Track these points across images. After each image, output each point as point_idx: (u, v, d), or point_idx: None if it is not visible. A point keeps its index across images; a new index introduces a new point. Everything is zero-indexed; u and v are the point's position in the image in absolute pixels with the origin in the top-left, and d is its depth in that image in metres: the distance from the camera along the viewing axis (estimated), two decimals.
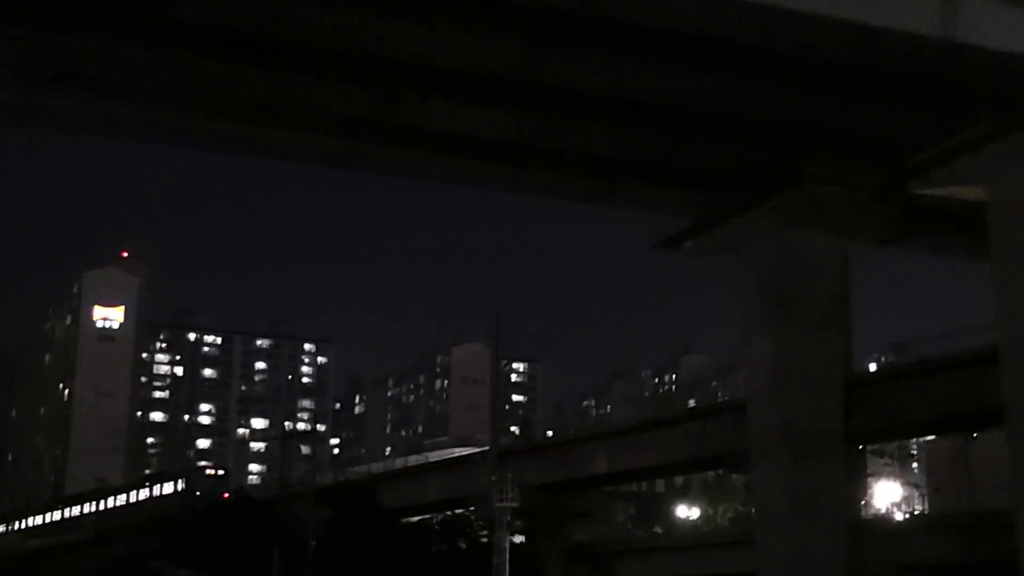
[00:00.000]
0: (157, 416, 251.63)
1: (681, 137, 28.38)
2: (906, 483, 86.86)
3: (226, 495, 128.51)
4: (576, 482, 72.95)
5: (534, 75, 24.15)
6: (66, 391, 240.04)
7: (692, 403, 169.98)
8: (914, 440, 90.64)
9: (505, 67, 23.32)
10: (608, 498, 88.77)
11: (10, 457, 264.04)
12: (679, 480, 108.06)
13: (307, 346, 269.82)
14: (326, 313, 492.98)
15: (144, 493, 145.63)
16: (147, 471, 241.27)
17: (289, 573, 70.14)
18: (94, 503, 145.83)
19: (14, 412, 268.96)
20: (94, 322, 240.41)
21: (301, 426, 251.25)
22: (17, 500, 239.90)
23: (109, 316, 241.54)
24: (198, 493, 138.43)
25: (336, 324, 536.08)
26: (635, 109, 26.34)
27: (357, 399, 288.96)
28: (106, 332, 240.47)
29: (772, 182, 32.47)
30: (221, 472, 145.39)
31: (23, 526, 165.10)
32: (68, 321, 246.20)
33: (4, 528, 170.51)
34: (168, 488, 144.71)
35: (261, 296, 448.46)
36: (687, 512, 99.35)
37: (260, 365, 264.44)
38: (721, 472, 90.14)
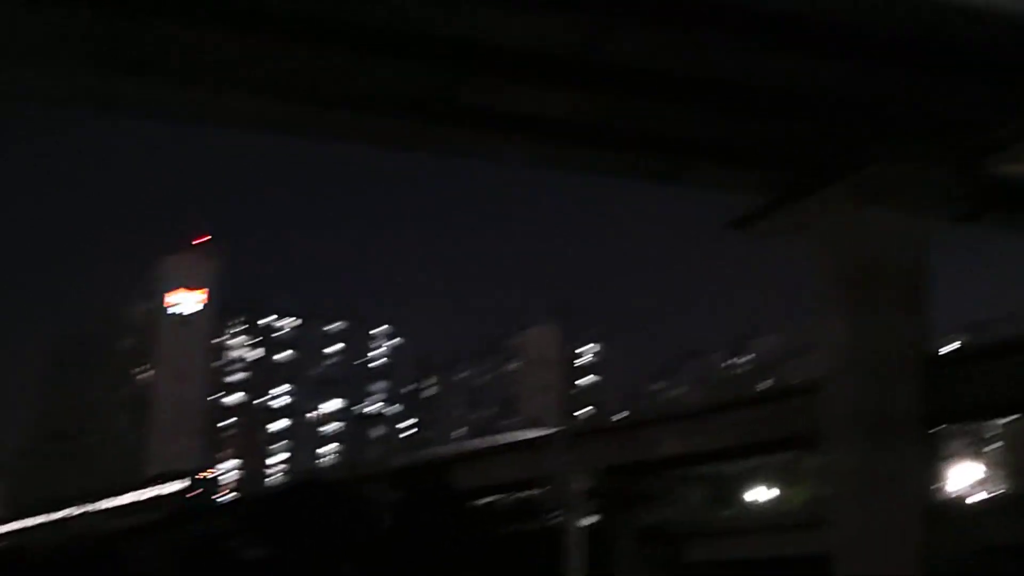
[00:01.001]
0: (233, 398, 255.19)
1: (751, 115, 28.06)
2: (986, 464, 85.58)
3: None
4: (647, 464, 72.78)
5: (603, 54, 23.97)
6: (145, 374, 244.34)
7: (764, 385, 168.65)
8: (994, 421, 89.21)
9: (573, 47, 23.19)
10: (679, 480, 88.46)
11: (93, 439, 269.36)
12: (751, 462, 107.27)
13: (379, 329, 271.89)
14: (397, 296, 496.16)
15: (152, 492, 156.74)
16: (217, 453, 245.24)
17: (361, 554, 70.79)
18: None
19: (95, 395, 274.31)
20: (172, 306, 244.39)
21: (373, 408, 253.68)
22: (99, 480, 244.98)
23: (186, 300, 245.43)
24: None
25: (407, 307, 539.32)
26: (705, 87, 26.08)
27: (428, 381, 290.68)
28: (183, 316, 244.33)
29: (845, 160, 32.02)
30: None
31: (103, 507, 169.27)
32: (147, 305, 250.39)
33: (85, 508, 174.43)
34: (175, 486, 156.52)
35: (333, 279, 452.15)
36: (759, 495, 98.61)
37: (332, 348, 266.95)
38: (794, 454, 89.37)
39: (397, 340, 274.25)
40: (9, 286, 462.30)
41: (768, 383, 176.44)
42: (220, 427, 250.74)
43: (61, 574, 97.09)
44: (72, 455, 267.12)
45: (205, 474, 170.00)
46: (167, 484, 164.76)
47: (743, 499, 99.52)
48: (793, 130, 30.30)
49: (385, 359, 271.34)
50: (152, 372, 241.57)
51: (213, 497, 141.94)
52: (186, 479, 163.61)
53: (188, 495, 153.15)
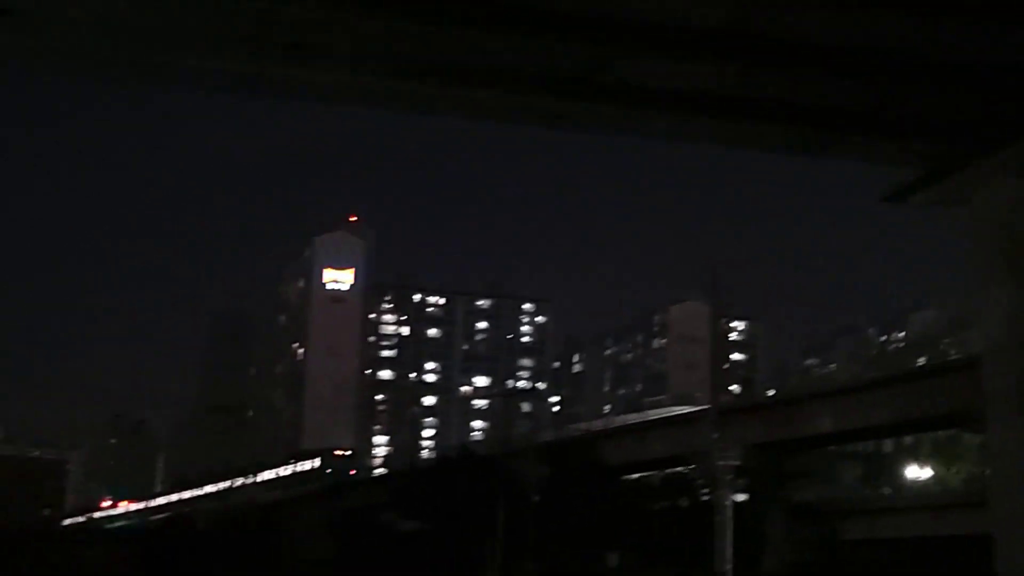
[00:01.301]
0: (385, 374, 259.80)
1: (906, 84, 27.22)
2: None
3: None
4: (799, 441, 71.77)
5: (751, 27, 23.52)
6: (300, 350, 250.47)
7: (922, 360, 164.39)
8: None
9: (721, 20, 22.82)
10: (833, 458, 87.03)
11: (250, 413, 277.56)
12: (908, 440, 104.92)
13: (526, 306, 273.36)
14: (544, 272, 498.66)
15: (289, 470, 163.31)
16: (370, 427, 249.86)
17: (512, 527, 71.47)
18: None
19: (252, 370, 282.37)
20: (325, 284, 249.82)
21: (521, 384, 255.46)
22: (257, 454, 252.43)
23: (339, 278, 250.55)
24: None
25: (554, 283, 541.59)
26: (858, 56, 25.41)
27: (575, 358, 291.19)
28: (336, 294, 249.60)
29: (1007, 129, 30.79)
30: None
31: (261, 479, 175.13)
32: (301, 283, 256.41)
33: (245, 480, 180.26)
34: (306, 465, 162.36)
35: (481, 257, 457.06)
36: (917, 473, 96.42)
37: (481, 325, 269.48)
38: (953, 431, 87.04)
39: (545, 317, 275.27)
40: (170, 266, 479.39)
41: (925, 359, 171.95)
42: (372, 402, 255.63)
43: (223, 542, 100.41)
44: (231, 429, 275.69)
45: (339, 452, 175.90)
46: (301, 462, 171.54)
47: (900, 477, 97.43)
48: (951, 99, 29.34)
49: (533, 335, 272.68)
50: (306, 348, 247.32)
51: (352, 472, 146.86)
52: (317, 458, 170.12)
53: (326, 472, 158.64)
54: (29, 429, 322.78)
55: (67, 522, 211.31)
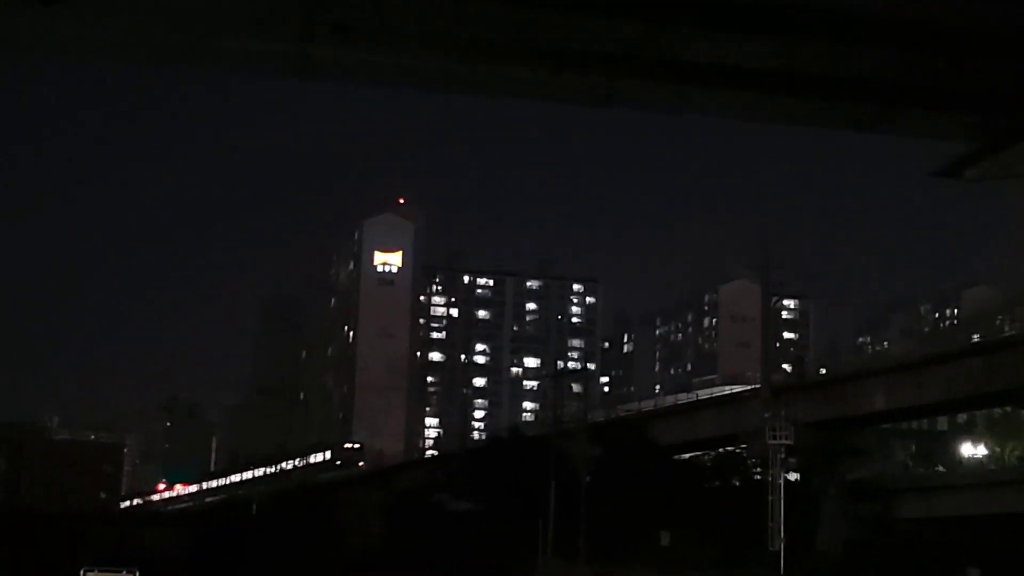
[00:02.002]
0: (435, 356, 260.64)
1: (959, 57, 26.81)
2: None
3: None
4: (852, 419, 71.30)
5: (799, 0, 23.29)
6: (350, 333, 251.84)
7: (976, 337, 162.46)
8: None
9: None
10: (886, 436, 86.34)
11: (302, 396, 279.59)
12: (962, 417, 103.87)
13: (575, 286, 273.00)
14: (593, 253, 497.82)
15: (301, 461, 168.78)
16: (427, 408, 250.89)
17: (563, 508, 71.61)
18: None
19: (304, 353, 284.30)
20: (375, 267, 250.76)
21: (572, 365, 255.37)
22: (310, 436, 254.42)
23: (388, 261, 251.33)
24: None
25: (603, 264, 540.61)
26: (910, 29, 25.05)
27: (625, 338, 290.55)
28: (386, 276, 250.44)
29: None
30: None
31: (314, 460, 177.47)
32: (350, 266, 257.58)
33: (297, 462, 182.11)
34: (318, 458, 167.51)
35: (530, 238, 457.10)
36: (972, 450, 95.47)
37: (531, 306, 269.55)
38: (1009, 408, 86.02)
39: (594, 297, 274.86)
40: (221, 249, 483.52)
41: (979, 336, 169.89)
42: (422, 384, 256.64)
43: (277, 524, 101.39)
44: (283, 412, 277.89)
45: (348, 445, 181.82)
46: (314, 454, 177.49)
47: (954, 455, 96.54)
48: (1004, 72, 28.87)
49: (582, 316, 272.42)
50: (356, 331, 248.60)
51: (360, 464, 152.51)
52: (328, 451, 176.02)
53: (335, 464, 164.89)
54: (85, 414, 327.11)
55: (124, 505, 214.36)
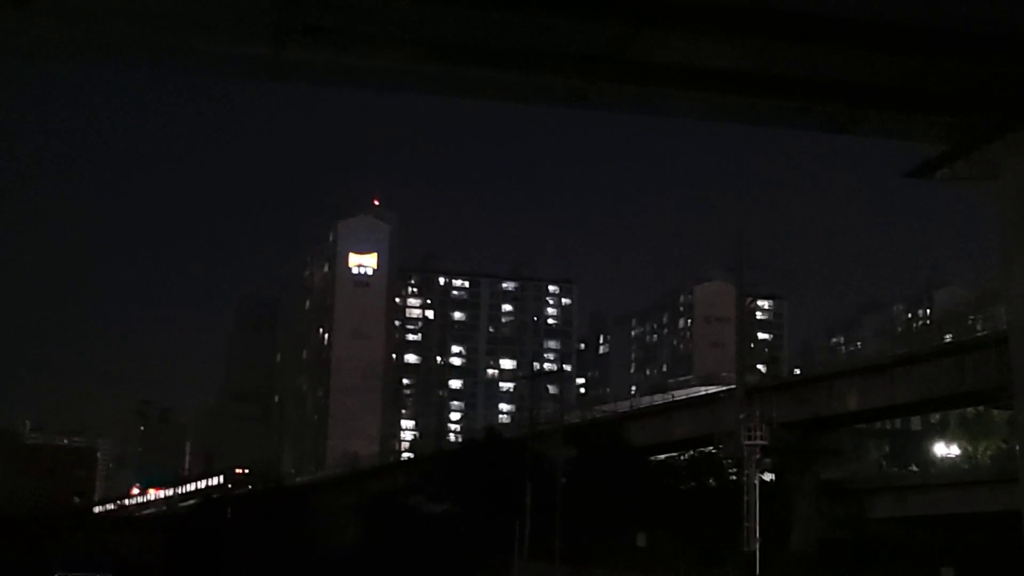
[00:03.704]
0: (411, 358, 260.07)
1: (930, 58, 27.00)
2: None
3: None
4: (826, 419, 71.54)
5: (775, 3, 23.42)
6: (325, 335, 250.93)
7: (949, 337, 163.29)
8: None
9: None
10: (860, 436, 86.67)
11: (276, 398, 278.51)
12: (935, 417, 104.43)
13: (551, 287, 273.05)
14: (569, 254, 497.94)
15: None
16: (403, 410, 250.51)
17: (539, 509, 71.56)
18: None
19: (278, 356, 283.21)
20: (349, 268, 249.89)
21: (547, 366, 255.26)
22: (285, 439, 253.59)
23: (363, 263, 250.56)
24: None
25: (579, 265, 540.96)
26: (880, 30, 25.22)
27: (601, 339, 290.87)
28: (361, 278, 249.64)
29: None
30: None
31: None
32: (325, 268, 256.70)
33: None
34: (212, 481, 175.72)
35: (505, 239, 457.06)
36: (945, 450, 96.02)
37: (507, 307, 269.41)
38: (981, 408, 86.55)
39: (570, 298, 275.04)
40: (194, 252, 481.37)
41: (951, 335, 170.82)
42: (398, 386, 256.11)
43: (253, 525, 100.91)
44: (258, 415, 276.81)
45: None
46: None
47: (928, 454, 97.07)
48: (976, 74, 29.09)
49: (558, 317, 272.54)
50: (331, 333, 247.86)
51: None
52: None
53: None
54: (58, 418, 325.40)
55: (97, 509, 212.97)
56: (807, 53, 26.12)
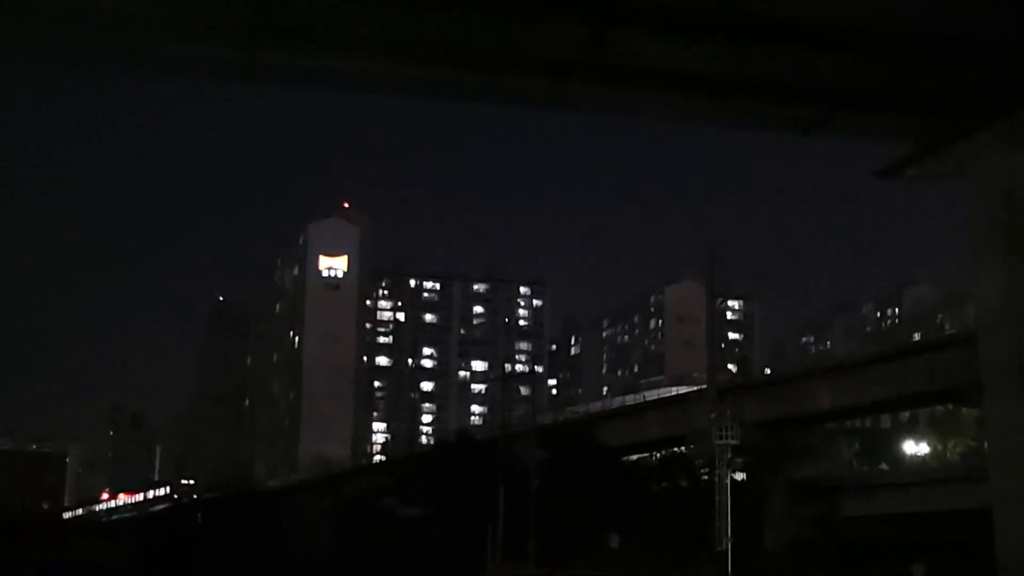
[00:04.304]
0: (382, 360, 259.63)
1: (898, 60, 27.21)
2: None
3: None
4: (798, 419, 71.91)
5: (744, 6, 23.55)
6: (296, 338, 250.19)
7: (918, 336, 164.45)
8: None
9: None
10: (831, 435, 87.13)
11: (247, 402, 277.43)
12: (905, 415, 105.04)
13: (523, 289, 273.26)
14: (540, 256, 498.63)
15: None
16: (375, 413, 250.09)
17: (512, 511, 71.61)
18: None
19: (249, 359, 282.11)
20: (320, 271, 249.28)
21: (519, 368, 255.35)
22: (257, 443, 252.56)
23: (333, 265, 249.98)
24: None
25: (550, 267, 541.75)
26: (849, 34, 25.41)
27: (573, 340, 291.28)
28: (331, 281, 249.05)
29: (1001, 103, 30.74)
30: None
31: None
32: (295, 271, 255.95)
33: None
34: (160, 492, 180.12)
35: (477, 241, 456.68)
36: (915, 448, 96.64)
37: (478, 309, 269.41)
38: (951, 406, 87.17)
39: (541, 300, 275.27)
40: (164, 255, 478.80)
41: (921, 334, 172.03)
42: (370, 389, 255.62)
43: (225, 530, 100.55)
44: (229, 419, 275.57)
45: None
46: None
47: (898, 452, 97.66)
48: (944, 74, 29.30)
49: (530, 319, 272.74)
50: (302, 336, 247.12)
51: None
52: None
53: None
54: (27, 423, 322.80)
55: (67, 515, 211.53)
56: (776, 55, 26.29)
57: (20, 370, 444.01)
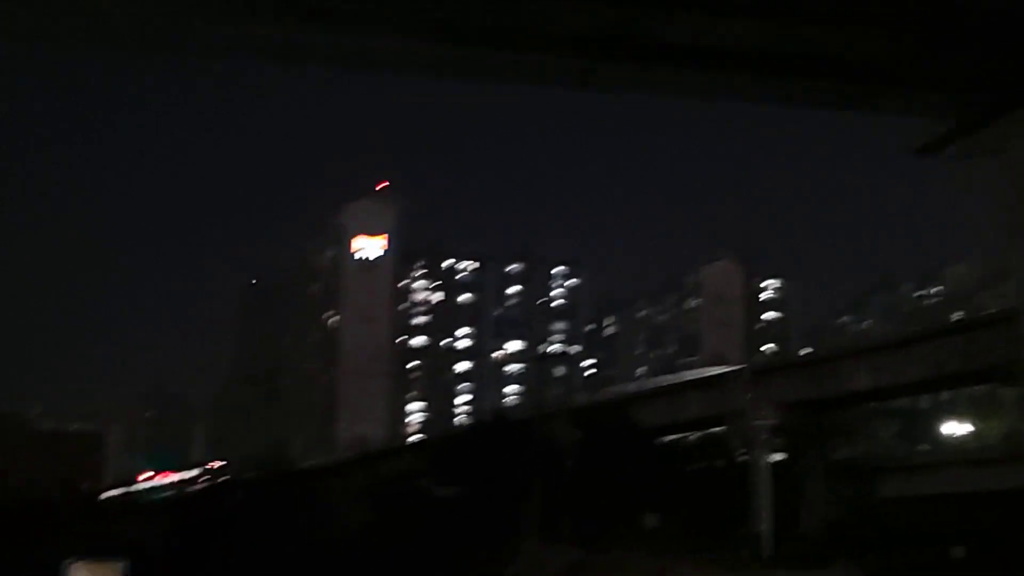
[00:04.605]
0: (417, 341, 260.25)
1: (939, 37, 26.75)
2: None
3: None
4: (835, 399, 71.41)
5: None
6: (332, 319, 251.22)
7: (958, 315, 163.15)
8: None
9: None
10: (869, 415, 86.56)
11: (285, 382, 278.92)
12: (946, 395, 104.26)
13: (558, 269, 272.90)
14: (576, 235, 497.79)
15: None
16: (410, 393, 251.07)
17: (548, 492, 71.57)
18: None
19: (284, 340, 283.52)
20: (355, 252, 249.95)
21: (554, 348, 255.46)
22: (292, 422, 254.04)
23: (370, 246, 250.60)
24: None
25: (585, 246, 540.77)
26: (886, 8, 24.97)
27: (608, 320, 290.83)
28: (367, 261, 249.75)
29: None
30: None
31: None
32: (331, 252, 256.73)
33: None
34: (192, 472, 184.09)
35: (512, 221, 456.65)
36: (954, 428, 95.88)
37: (513, 289, 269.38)
38: (991, 386, 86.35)
39: (576, 280, 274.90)
40: (202, 236, 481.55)
41: (961, 313, 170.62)
42: (405, 369, 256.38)
43: (263, 508, 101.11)
44: (266, 399, 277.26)
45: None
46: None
47: (937, 433, 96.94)
48: (985, 51, 28.82)
49: (565, 299, 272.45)
50: (339, 316, 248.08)
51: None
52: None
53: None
54: (66, 404, 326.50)
55: (106, 495, 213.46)
56: (813, 31, 25.91)
57: (59, 352, 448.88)
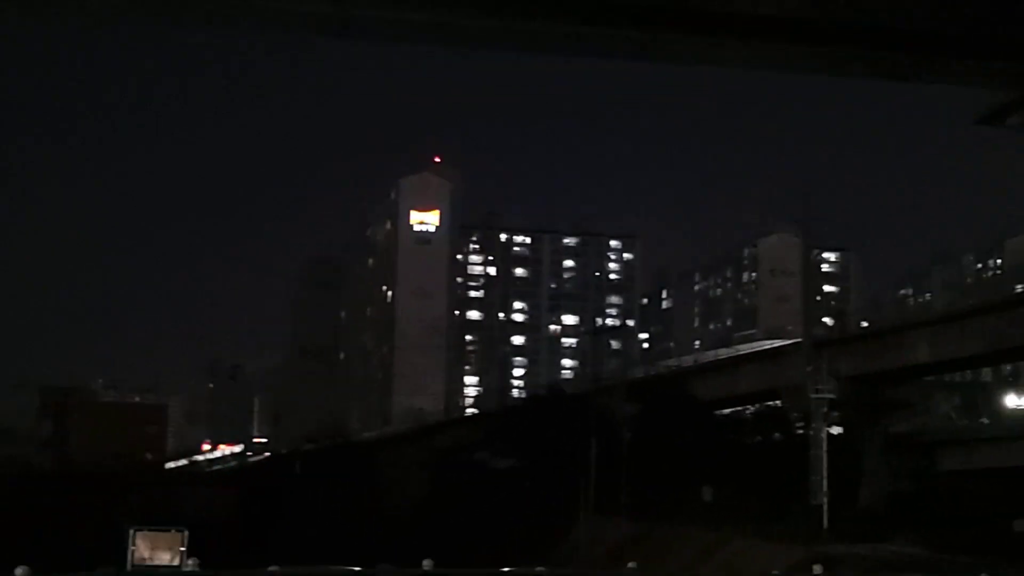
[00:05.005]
0: (473, 315, 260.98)
1: (999, 3, 26.30)
2: None
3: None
4: (894, 372, 70.95)
5: None
6: (389, 293, 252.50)
7: (1020, 288, 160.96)
8: None
9: None
10: (929, 388, 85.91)
11: (342, 356, 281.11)
12: (1007, 369, 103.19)
13: (613, 242, 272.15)
14: (631, 208, 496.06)
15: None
16: (466, 367, 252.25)
17: (604, 464, 71.75)
18: None
19: (343, 314, 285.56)
20: (411, 226, 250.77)
21: (610, 322, 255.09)
22: (351, 396, 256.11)
23: (425, 220, 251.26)
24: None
25: (641, 219, 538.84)
26: None
27: (664, 294, 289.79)
28: (423, 235, 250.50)
29: None
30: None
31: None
32: (387, 226, 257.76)
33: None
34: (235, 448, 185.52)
35: (567, 194, 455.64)
36: (1016, 401, 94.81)
37: (568, 263, 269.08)
38: None
39: (632, 253, 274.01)
40: (263, 209, 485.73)
41: (1022, 286, 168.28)
42: (461, 343, 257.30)
43: (321, 480, 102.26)
44: (323, 372, 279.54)
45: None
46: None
47: (998, 407, 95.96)
48: None
49: (620, 272, 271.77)
50: (395, 291, 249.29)
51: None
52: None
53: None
54: (129, 376, 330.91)
55: (169, 465, 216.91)
56: (875, 1, 25.66)
57: (122, 324, 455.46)
